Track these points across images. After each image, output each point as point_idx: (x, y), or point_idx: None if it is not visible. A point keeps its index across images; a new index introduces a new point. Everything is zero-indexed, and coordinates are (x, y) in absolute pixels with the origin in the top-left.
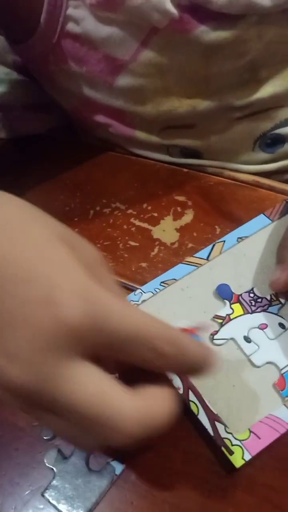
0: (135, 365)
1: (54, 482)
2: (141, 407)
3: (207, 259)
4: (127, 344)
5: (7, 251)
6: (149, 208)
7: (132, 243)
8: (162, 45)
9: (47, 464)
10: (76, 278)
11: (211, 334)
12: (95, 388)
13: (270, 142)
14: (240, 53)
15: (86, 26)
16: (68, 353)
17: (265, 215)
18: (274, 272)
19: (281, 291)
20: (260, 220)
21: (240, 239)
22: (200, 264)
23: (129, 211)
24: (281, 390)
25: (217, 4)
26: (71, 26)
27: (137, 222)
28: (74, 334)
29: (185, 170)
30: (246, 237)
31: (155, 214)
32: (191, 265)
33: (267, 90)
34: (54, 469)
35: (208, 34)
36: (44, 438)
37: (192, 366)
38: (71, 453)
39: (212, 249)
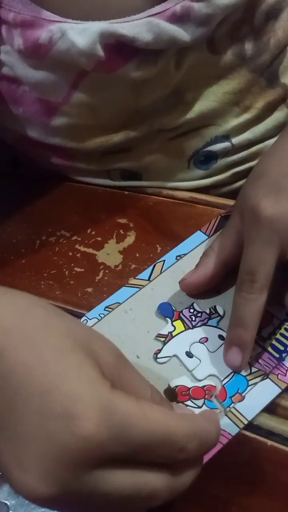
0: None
1: None
2: (171, 478)
3: (149, 279)
4: (149, 448)
5: (28, 360)
6: (93, 233)
7: (78, 269)
8: (92, 86)
9: (1, 500)
10: (93, 390)
11: (155, 354)
12: (125, 482)
13: (204, 159)
14: (164, 83)
15: (18, 71)
16: (88, 465)
17: (201, 231)
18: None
19: (186, 291)
20: (197, 236)
21: (179, 257)
22: (142, 285)
23: (74, 237)
24: (223, 401)
25: (143, 41)
26: (6, 70)
27: (82, 248)
28: (93, 448)
29: (126, 192)
30: (185, 254)
31: (99, 239)
32: (134, 287)
33: (194, 111)
34: (8, 503)
35: (133, 71)
36: None
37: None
38: None
39: (153, 269)
